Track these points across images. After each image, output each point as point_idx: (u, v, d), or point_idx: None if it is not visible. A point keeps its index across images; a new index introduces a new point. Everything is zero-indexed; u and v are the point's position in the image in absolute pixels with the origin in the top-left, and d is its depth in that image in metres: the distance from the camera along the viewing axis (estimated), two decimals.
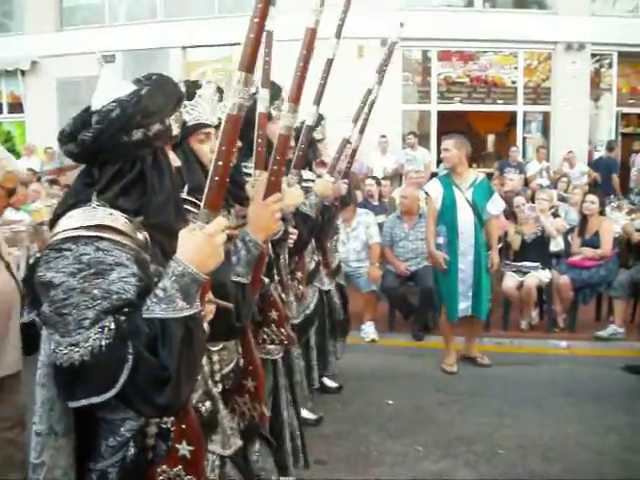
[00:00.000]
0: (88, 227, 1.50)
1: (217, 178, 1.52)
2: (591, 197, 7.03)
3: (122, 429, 1.60)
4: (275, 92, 2.88)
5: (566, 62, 12.96)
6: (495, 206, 5.69)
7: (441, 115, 13.23)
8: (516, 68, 13.35)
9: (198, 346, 1.53)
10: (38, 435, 1.57)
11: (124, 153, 1.59)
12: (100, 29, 13.82)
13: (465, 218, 5.51)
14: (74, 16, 14.61)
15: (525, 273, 6.80)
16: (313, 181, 3.83)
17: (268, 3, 1.48)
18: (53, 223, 1.60)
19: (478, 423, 4.60)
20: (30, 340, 3.16)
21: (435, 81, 13.12)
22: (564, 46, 12.86)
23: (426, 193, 5.82)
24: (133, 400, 1.46)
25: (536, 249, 6.91)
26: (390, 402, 5.00)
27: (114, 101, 1.57)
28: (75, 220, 1.53)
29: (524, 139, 13.53)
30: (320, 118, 4.27)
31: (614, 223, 7.53)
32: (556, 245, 7.36)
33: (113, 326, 1.44)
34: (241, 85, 1.48)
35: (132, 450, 1.59)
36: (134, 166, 1.61)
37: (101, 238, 1.50)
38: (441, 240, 5.58)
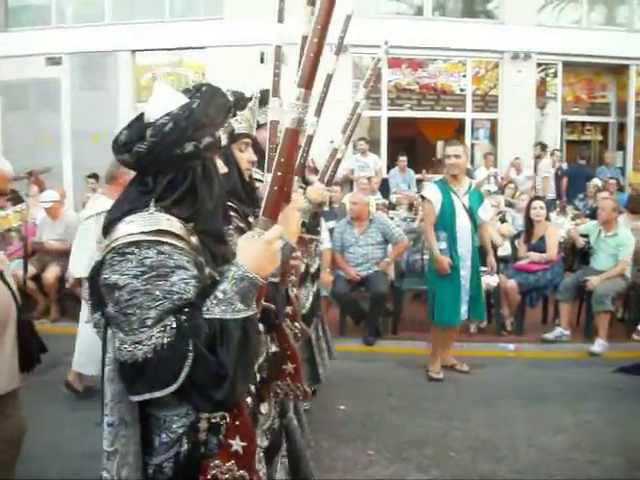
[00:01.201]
0: (149, 232, 1.59)
1: (276, 188, 1.62)
2: (538, 203, 7.19)
3: (174, 425, 1.67)
4: (263, 97, 2.88)
5: (513, 71, 13.25)
6: (486, 212, 5.83)
7: (391, 121, 13.36)
8: (464, 76, 13.58)
9: (254, 346, 1.67)
10: (110, 426, 1.65)
11: (176, 164, 1.66)
12: (47, 30, 13.54)
13: (463, 223, 5.57)
14: (20, 16, 14.26)
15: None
16: (303, 187, 3.83)
17: (327, 25, 1.53)
18: (108, 228, 1.67)
19: (429, 426, 4.64)
20: (27, 355, 3.05)
21: (385, 88, 13.23)
22: (511, 55, 13.15)
23: (422, 197, 5.83)
24: (191, 395, 1.57)
25: (484, 254, 7.02)
26: (342, 407, 5.01)
27: (167, 114, 1.64)
28: (136, 225, 1.60)
29: (472, 146, 13.75)
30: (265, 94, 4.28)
31: (559, 228, 7.72)
32: (504, 250, 7.52)
33: (175, 325, 1.54)
34: (300, 101, 1.56)
35: (185, 446, 1.67)
36: (186, 176, 1.69)
37: (162, 242, 1.59)
38: (443, 245, 5.55)
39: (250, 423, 1.74)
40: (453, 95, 13.77)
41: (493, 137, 13.91)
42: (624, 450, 4.26)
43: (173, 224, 1.63)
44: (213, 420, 1.67)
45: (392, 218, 8.27)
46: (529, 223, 7.19)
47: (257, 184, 2.65)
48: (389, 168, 12.60)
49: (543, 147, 12.77)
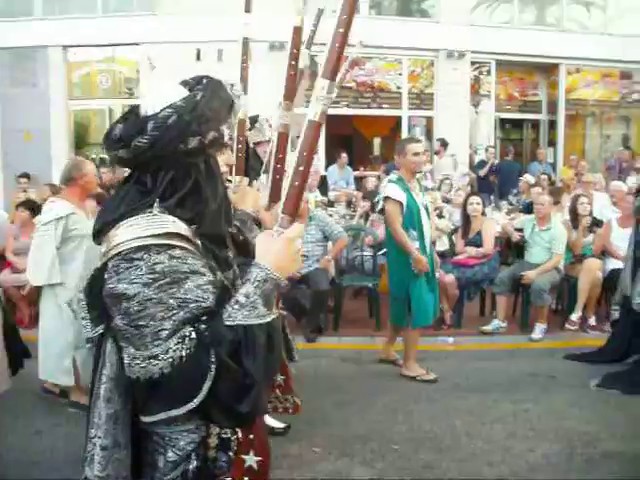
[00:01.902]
0: (159, 235, 1.46)
1: (297, 183, 1.54)
2: (475, 199, 7.34)
3: (182, 442, 1.56)
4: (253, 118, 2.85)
5: (447, 69, 13.50)
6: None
7: (328, 119, 13.27)
8: (400, 74, 13.77)
9: (277, 351, 1.55)
10: (104, 449, 1.53)
11: (179, 161, 1.54)
12: None
13: (425, 222, 5.56)
14: None
15: None
16: None
17: (353, 14, 1.49)
18: (102, 232, 1.54)
19: (373, 421, 4.70)
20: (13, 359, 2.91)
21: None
22: (445, 54, 13.39)
23: (386, 198, 5.46)
24: (212, 410, 1.46)
25: None
26: None
27: (170, 107, 1.51)
28: (141, 228, 1.46)
29: None
30: (254, 120, 4.21)
31: (495, 223, 7.90)
32: (441, 245, 7.66)
33: (194, 335, 1.43)
34: (325, 93, 1.50)
35: (195, 463, 1.55)
36: (188, 174, 1.56)
37: (173, 246, 1.46)
38: (417, 244, 5.43)
39: (265, 436, 1.65)
40: (390, 93, 13.95)
41: (429, 134, 14.13)
42: (560, 437, 4.41)
43: (180, 226, 1.50)
44: (224, 435, 1.58)
45: (331, 215, 8.30)
46: (466, 219, 7.33)
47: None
48: (327, 166, 12.66)
49: (444, 144, 12.93)
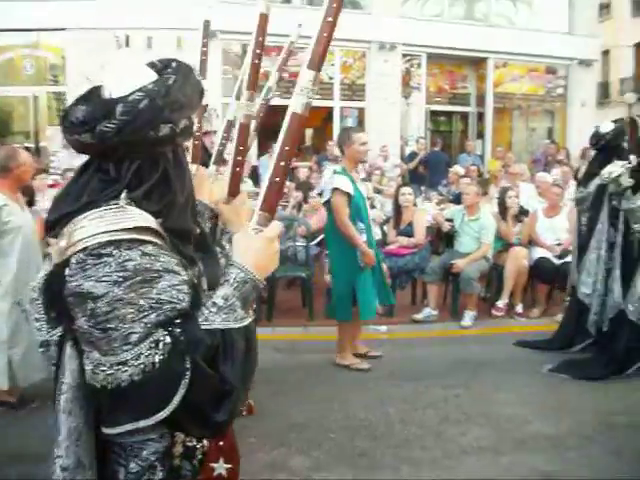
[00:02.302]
0: (128, 229, 1.32)
1: (278, 179, 1.46)
2: (407, 189, 7.45)
3: (144, 452, 1.42)
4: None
5: (379, 61, 13.64)
6: None
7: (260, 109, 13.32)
8: (333, 65, 13.81)
9: (255, 357, 1.46)
10: (64, 470, 1.37)
11: (147, 149, 1.41)
12: None
13: (368, 213, 5.55)
14: None
15: None
16: None
17: (341, 4, 1.43)
18: (57, 224, 1.39)
19: (308, 410, 4.72)
20: None
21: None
22: (377, 45, 13.51)
23: (335, 189, 5.32)
24: (184, 420, 1.35)
25: None
26: None
27: (140, 90, 1.38)
28: (107, 222, 1.32)
29: None
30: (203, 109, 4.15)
31: (425, 213, 8.05)
32: (374, 235, 7.74)
33: (169, 340, 1.30)
34: (311, 84, 1.44)
35: (160, 474, 1.43)
36: (155, 163, 1.44)
37: (145, 241, 1.33)
38: (364, 237, 5.39)
39: (235, 443, 1.58)
40: (321, 84, 13.94)
41: (361, 125, 14.24)
42: (490, 420, 4.55)
43: (150, 220, 1.37)
44: (189, 443, 1.49)
45: None
46: (397, 209, 7.44)
47: None
48: (258, 156, 12.61)
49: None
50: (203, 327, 1.35)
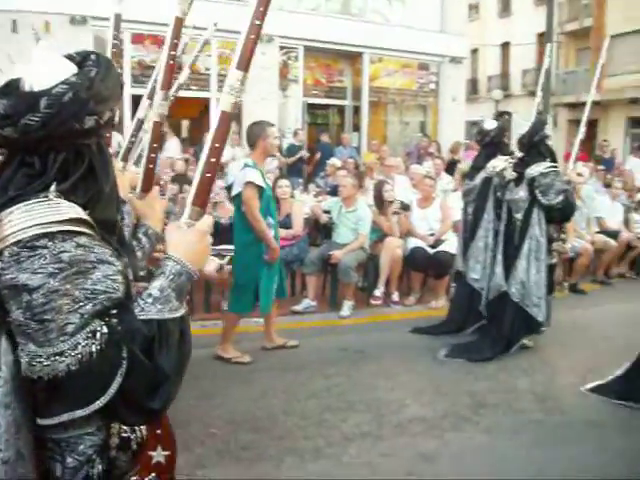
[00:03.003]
0: (61, 221, 1.32)
1: (208, 175, 1.54)
2: (284, 182, 7.47)
3: (81, 447, 1.43)
4: None
5: (257, 53, 13.49)
6: None
7: (135, 99, 12.93)
8: (209, 55, 13.60)
9: (189, 346, 1.50)
10: (5, 463, 1.34)
11: (72, 141, 1.41)
12: None
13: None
14: None
15: (224, 256, 6.97)
16: None
17: (268, 7, 1.50)
18: None
19: (190, 406, 4.63)
20: None
21: (128, 64, 12.79)
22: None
23: (248, 183, 5.26)
24: (120, 408, 1.37)
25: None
26: None
27: (64, 82, 1.37)
28: (40, 214, 1.32)
29: None
30: None
31: (303, 205, 8.12)
32: None
33: (105, 330, 1.33)
34: (239, 84, 1.51)
35: (99, 467, 1.45)
36: (80, 156, 1.43)
37: (79, 233, 1.34)
38: (272, 232, 5.41)
39: (171, 429, 1.61)
40: (198, 74, 13.72)
41: (238, 117, 14.14)
42: (370, 406, 4.67)
43: (80, 211, 1.38)
44: (123, 434, 1.51)
45: None
46: (276, 201, 7.44)
47: None
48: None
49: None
50: (140, 317, 1.40)
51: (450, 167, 11.33)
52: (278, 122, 14.08)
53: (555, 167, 5.94)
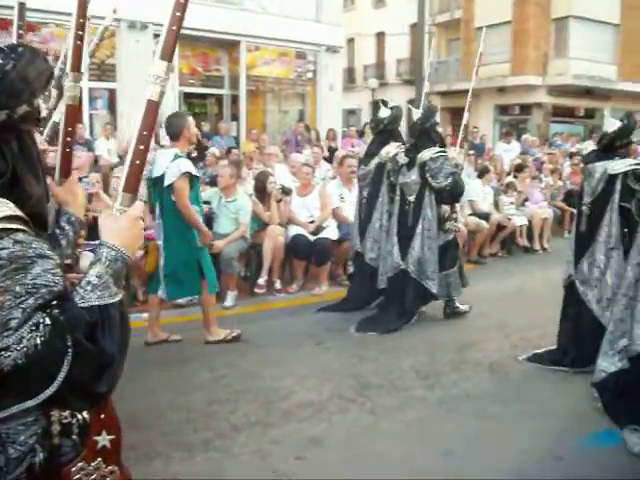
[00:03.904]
0: None
1: (138, 162, 1.58)
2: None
3: (22, 437, 1.48)
4: None
5: (130, 40, 13.16)
6: None
7: None
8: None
9: (128, 328, 1.53)
10: None
11: None
12: None
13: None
14: None
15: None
16: None
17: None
18: None
19: None
20: None
21: None
22: (127, 24, 13.03)
23: (185, 173, 5.33)
24: (66, 395, 1.38)
25: None
26: None
27: None
28: None
29: (91, 116, 13.40)
30: None
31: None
32: None
33: (48, 321, 1.34)
34: (164, 74, 1.58)
35: (41, 455, 1.50)
36: (2, 152, 1.43)
37: (15, 230, 1.36)
38: (201, 219, 5.62)
39: (115, 413, 1.64)
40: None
41: (112, 107, 13.70)
42: (258, 395, 4.67)
43: (13, 208, 1.38)
44: (64, 421, 1.56)
45: None
46: None
47: None
48: None
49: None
50: (81, 305, 1.42)
51: (329, 155, 11.48)
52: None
53: (444, 152, 6.36)
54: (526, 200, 10.81)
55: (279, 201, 7.68)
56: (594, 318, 5.09)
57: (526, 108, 25.31)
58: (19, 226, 1.38)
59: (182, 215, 5.40)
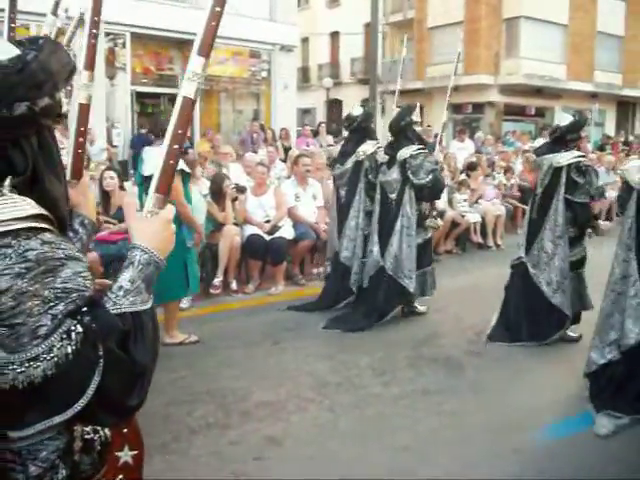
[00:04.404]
0: (22, 218, 1.24)
1: (172, 162, 1.51)
2: (109, 173, 7.20)
3: (43, 453, 1.33)
4: None
5: (79, 39, 12.93)
6: None
7: None
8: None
9: (159, 337, 1.44)
10: None
11: (3, 130, 1.28)
12: None
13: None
14: None
15: None
16: None
17: None
18: None
19: None
20: None
21: None
22: (77, 23, 12.80)
23: (181, 171, 5.36)
24: (95, 409, 1.27)
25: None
26: None
27: None
28: None
29: None
30: None
31: (135, 197, 7.85)
32: None
33: (80, 329, 1.24)
34: (201, 70, 1.52)
35: (63, 472, 1.36)
36: (19, 148, 1.32)
37: (42, 229, 1.26)
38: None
39: (138, 427, 1.57)
40: None
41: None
42: (215, 396, 4.64)
43: (37, 207, 1.29)
44: (87, 437, 1.44)
45: None
46: (105, 194, 7.16)
47: None
48: None
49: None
50: (113, 312, 1.32)
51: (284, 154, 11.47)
52: (106, 111, 13.58)
53: (423, 149, 6.43)
54: (479, 197, 10.97)
55: (234, 200, 7.62)
56: (545, 298, 5.59)
57: (479, 107, 25.71)
58: (45, 225, 1.29)
59: (178, 215, 5.38)
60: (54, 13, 3.44)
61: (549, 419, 4.37)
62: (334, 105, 30.58)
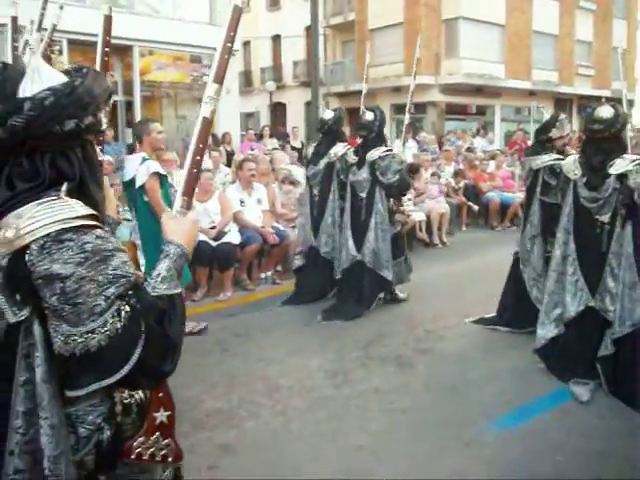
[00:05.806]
0: (80, 217, 1.52)
1: (195, 170, 1.89)
2: None
3: (90, 417, 1.63)
4: None
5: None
6: None
7: None
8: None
9: (185, 316, 1.75)
10: (53, 428, 1.54)
11: (55, 143, 1.57)
12: None
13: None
14: None
15: None
16: None
17: (237, 31, 2.03)
18: None
19: None
20: None
21: None
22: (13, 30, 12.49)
23: (154, 173, 5.77)
24: (137, 374, 1.56)
25: None
26: None
27: (48, 89, 1.54)
28: (60, 211, 1.50)
29: None
30: None
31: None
32: None
33: (128, 309, 1.54)
34: (216, 95, 1.91)
35: (107, 432, 1.65)
36: (68, 158, 1.60)
37: (95, 226, 1.54)
38: None
39: (170, 392, 1.81)
40: None
41: None
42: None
43: (87, 208, 1.56)
44: (125, 401, 1.71)
45: None
46: None
47: None
48: None
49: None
50: (153, 294, 1.66)
51: (228, 159, 11.39)
52: None
53: (391, 151, 6.88)
54: (422, 194, 11.11)
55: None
56: (527, 291, 5.94)
57: (421, 107, 26.00)
58: (96, 223, 1.56)
59: (156, 215, 5.49)
60: (38, 30, 3.52)
61: (498, 411, 4.45)
62: (278, 108, 30.58)
